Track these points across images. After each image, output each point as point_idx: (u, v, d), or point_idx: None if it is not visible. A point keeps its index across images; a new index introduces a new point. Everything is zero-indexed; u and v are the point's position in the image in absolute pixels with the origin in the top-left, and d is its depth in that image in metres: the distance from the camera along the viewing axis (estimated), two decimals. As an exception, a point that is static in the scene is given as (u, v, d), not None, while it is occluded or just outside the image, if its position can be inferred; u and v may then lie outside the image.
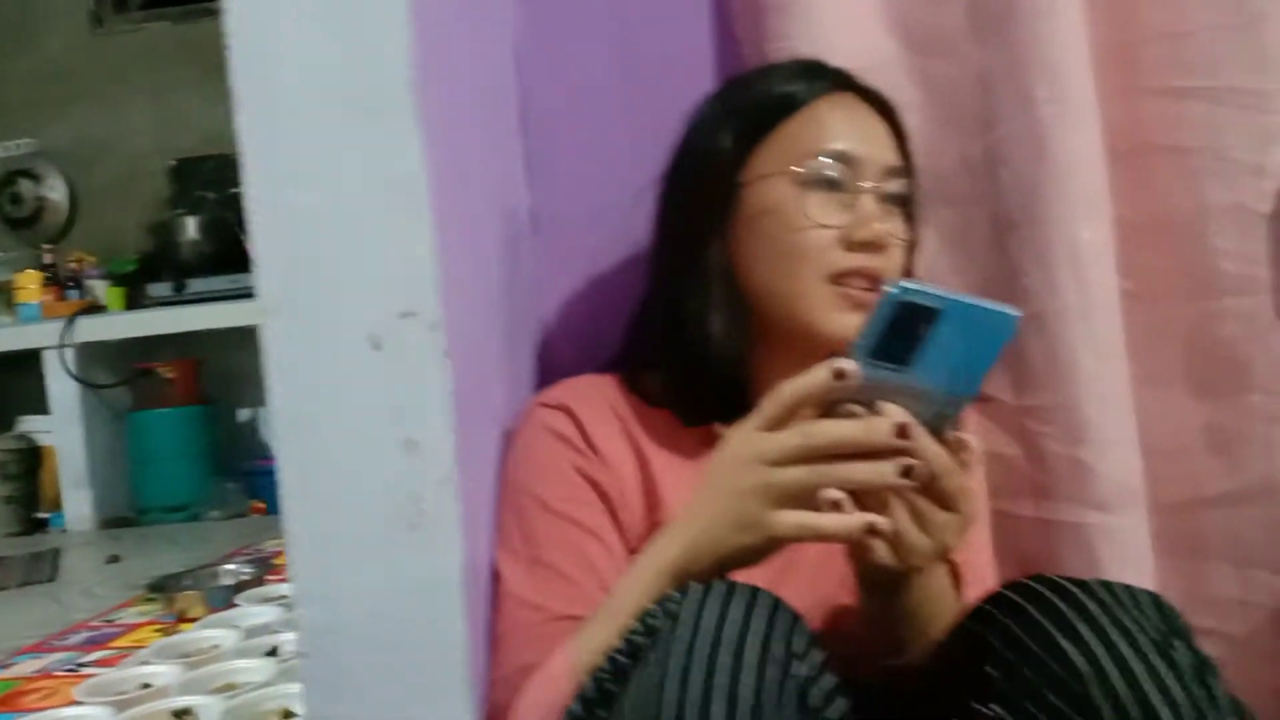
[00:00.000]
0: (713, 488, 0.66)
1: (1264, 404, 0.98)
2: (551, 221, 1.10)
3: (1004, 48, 0.98)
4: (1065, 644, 0.64)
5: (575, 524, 0.82)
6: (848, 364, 0.59)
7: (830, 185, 0.82)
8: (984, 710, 0.67)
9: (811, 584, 0.84)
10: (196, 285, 3.38)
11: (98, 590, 2.53)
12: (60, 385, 3.37)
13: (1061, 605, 0.66)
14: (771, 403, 0.63)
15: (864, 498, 0.62)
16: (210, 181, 3.76)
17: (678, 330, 0.86)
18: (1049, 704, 0.64)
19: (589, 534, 0.82)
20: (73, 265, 3.60)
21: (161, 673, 1.68)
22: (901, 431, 0.59)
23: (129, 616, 2.22)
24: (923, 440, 0.60)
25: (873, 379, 0.60)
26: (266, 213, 0.72)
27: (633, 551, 0.84)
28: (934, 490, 0.62)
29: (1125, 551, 0.99)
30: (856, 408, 0.61)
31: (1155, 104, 1.00)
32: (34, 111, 3.92)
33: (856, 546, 0.64)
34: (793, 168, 0.82)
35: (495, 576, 0.82)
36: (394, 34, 0.70)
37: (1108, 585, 0.67)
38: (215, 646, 1.81)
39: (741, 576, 0.65)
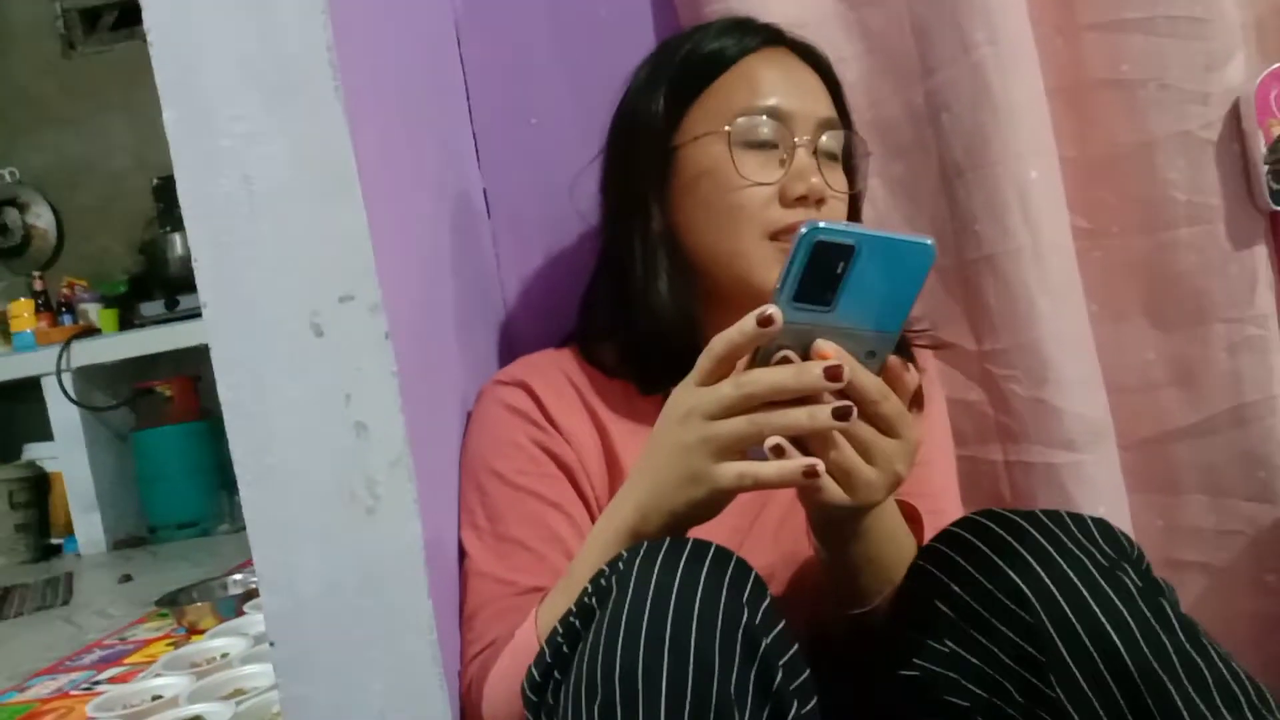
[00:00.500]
0: (656, 447, 0.66)
1: (1224, 332, 0.98)
2: (505, 200, 1.10)
3: (937, -9, 0.98)
4: (1014, 575, 0.64)
5: (536, 496, 0.82)
6: (771, 309, 0.59)
7: (764, 143, 0.82)
8: (939, 647, 0.67)
9: (774, 541, 0.84)
10: (188, 301, 3.38)
11: (111, 610, 2.55)
12: (61, 411, 3.38)
13: (1009, 537, 0.66)
14: (705, 357, 0.63)
15: (807, 439, 0.62)
16: (195, 197, 3.77)
17: (627, 299, 0.86)
18: (1002, 636, 0.64)
19: (550, 506, 0.82)
20: (64, 291, 3.62)
21: (171, 684, 1.69)
22: (833, 373, 0.60)
23: (142, 633, 2.24)
24: (856, 373, 0.60)
25: (799, 323, 0.60)
26: (197, 204, 0.72)
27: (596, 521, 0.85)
28: (873, 418, 0.62)
29: (1098, 490, 0.99)
30: (790, 353, 0.61)
31: (1094, 39, 0.99)
32: (12, 139, 3.94)
33: (804, 490, 0.64)
34: (725, 127, 0.82)
35: (461, 554, 0.83)
36: (311, 16, 0.70)
37: (1054, 514, 0.67)
38: (224, 655, 1.82)
39: (705, 535, 0.65)
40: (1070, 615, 0.62)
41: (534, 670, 0.64)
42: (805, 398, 0.60)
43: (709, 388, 0.63)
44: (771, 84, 0.84)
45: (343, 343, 0.72)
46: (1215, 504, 1.02)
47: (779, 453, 0.60)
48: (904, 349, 0.70)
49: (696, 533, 0.66)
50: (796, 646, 0.61)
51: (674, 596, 0.59)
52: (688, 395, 0.64)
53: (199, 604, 2.19)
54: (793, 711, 0.59)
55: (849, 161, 0.87)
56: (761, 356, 0.62)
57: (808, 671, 0.61)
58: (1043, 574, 0.63)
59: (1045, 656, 0.63)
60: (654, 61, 0.90)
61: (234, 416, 0.74)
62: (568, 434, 0.85)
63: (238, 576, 2.42)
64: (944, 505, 0.87)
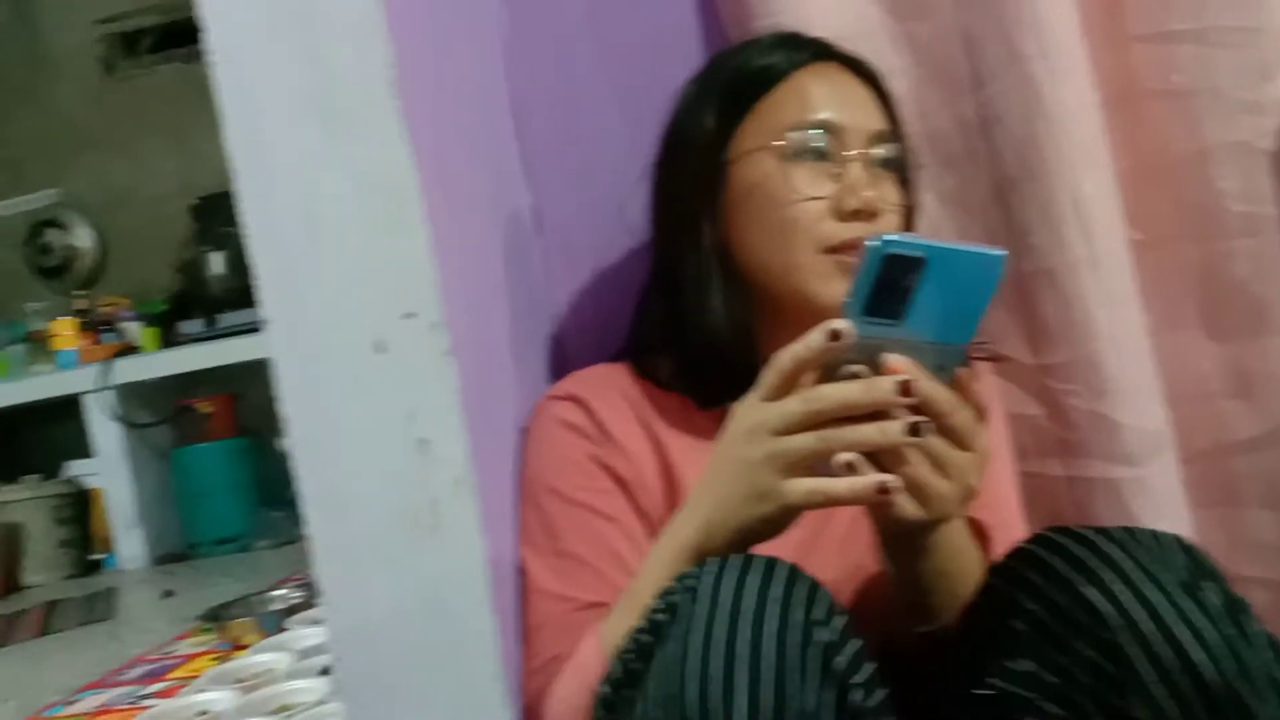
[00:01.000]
0: (722, 463, 0.66)
1: (1284, 343, 0.97)
2: (554, 218, 1.11)
3: (987, 6, 0.97)
4: (1090, 592, 0.63)
5: (594, 512, 0.82)
6: (841, 324, 0.59)
7: (816, 156, 0.82)
8: (1014, 666, 0.67)
9: (840, 555, 0.83)
10: (227, 320, 3.42)
11: (154, 625, 2.57)
12: (103, 428, 3.42)
13: (1084, 554, 0.65)
14: (771, 372, 0.63)
15: (879, 454, 0.61)
16: (233, 217, 3.81)
17: (680, 314, 0.86)
18: (1079, 654, 0.63)
19: (608, 521, 0.82)
20: (105, 309, 3.66)
21: (218, 699, 1.70)
22: (904, 388, 0.59)
23: (185, 648, 2.26)
24: (927, 387, 0.60)
25: (868, 336, 0.59)
26: (260, 224, 0.73)
27: (654, 536, 0.84)
28: (946, 430, 0.61)
29: (1159, 504, 0.98)
30: (859, 367, 0.60)
31: (1145, 50, 0.98)
32: (55, 162, 4.01)
33: (877, 506, 0.63)
34: (776, 141, 0.82)
35: (521, 572, 0.83)
36: (371, 39, 0.71)
37: (1130, 531, 0.67)
38: (269, 670, 1.83)
39: (770, 550, 0.65)
40: (1150, 632, 0.61)
41: (605, 687, 0.64)
42: (875, 412, 0.60)
43: (775, 403, 0.63)
44: (822, 98, 0.83)
45: (405, 360, 0.73)
46: (1278, 517, 1.00)
47: (851, 469, 0.60)
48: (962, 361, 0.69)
49: (760, 549, 0.66)
50: (873, 665, 0.60)
51: (748, 615, 0.58)
52: (753, 411, 0.64)
53: (242, 619, 2.21)
54: None
55: (902, 174, 0.87)
56: (829, 372, 0.61)
57: (884, 690, 0.60)
58: (1120, 591, 0.62)
59: (1125, 675, 0.62)
60: (703, 77, 0.90)
61: (297, 436, 0.74)
62: (624, 448, 0.85)
63: (280, 592, 2.43)
64: (1008, 518, 0.86)
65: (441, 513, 0.73)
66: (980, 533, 0.77)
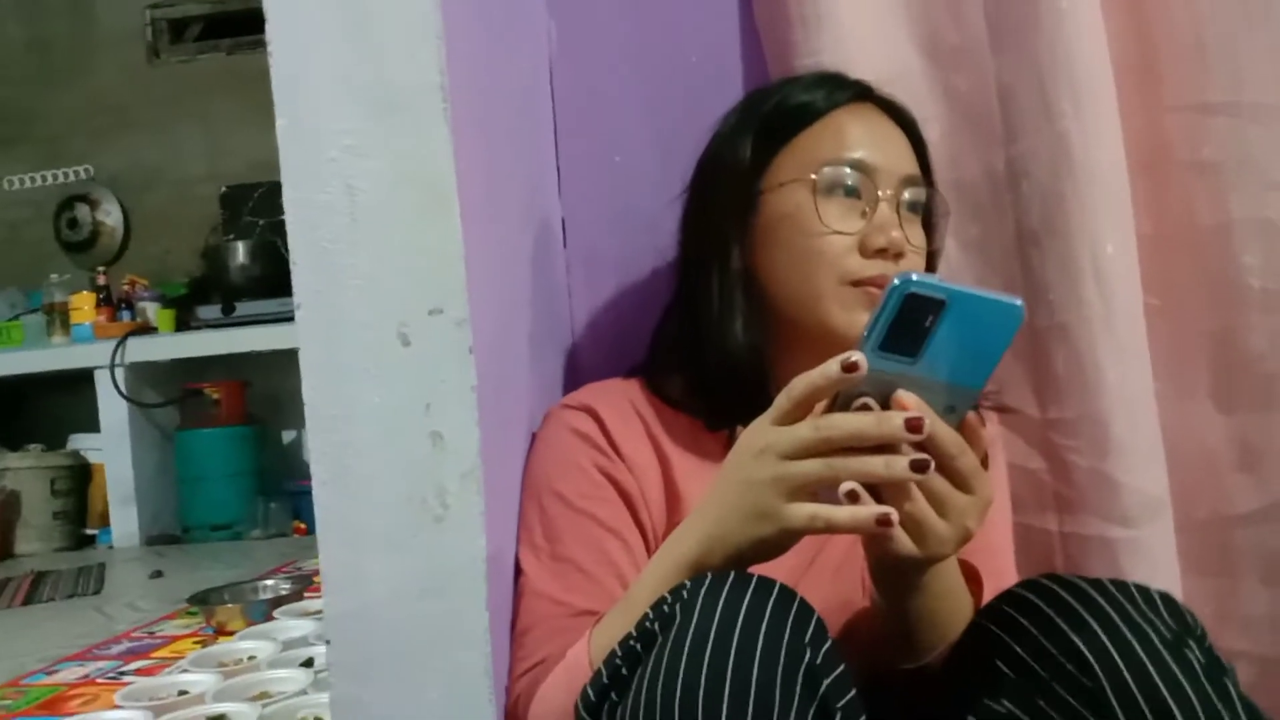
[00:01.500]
0: (727, 481, 0.67)
1: (1292, 419, 0.98)
2: (580, 232, 1.13)
3: (1026, 61, 0.99)
4: (1078, 640, 0.64)
5: (595, 521, 0.84)
6: (857, 356, 0.60)
7: (847, 193, 0.84)
8: (996, 707, 0.67)
9: (831, 585, 0.84)
10: (244, 308, 3.45)
11: (141, 603, 2.58)
12: (111, 404, 3.45)
13: (1074, 602, 0.66)
14: (784, 397, 0.64)
15: (881, 488, 0.62)
16: (259, 208, 3.87)
17: (700, 335, 0.88)
18: (1061, 700, 0.64)
19: (608, 531, 0.83)
20: (125, 287, 3.70)
21: (199, 681, 1.70)
22: (914, 425, 0.60)
23: (170, 629, 2.26)
24: (936, 426, 0.60)
25: (882, 371, 0.60)
26: (301, 211, 0.75)
27: (653, 552, 0.85)
28: (950, 472, 0.62)
29: (1152, 567, 0.98)
30: (870, 400, 0.62)
31: (1178, 120, 1.00)
32: (92, 140, 4.07)
33: (874, 538, 0.64)
34: (810, 175, 0.84)
35: (517, 571, 0.84)
36: (425, 40, 0.73)
37: (1121, 584, 0.67)
38: (252, 657, 1.83)
39: (761, 574, 0.65)
40: (1132, 684, 0.61)
41: (590, 690, 0.65)
42: (882, 446, 0.61)
43: (786, 427, 0.64)
44: (858, 137, 0.86)
45: (428, 354, 0.74)
46: (1271, 593, 1.01)
47: (853, 498, 0.61)
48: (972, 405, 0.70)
49: (753, 571, 0.66)
50: (855, 691, 0.61)
51: (738, 629, 0.59)
52: (763, 433, 0.65)
53: (229, 605, 2.21)
54: None
55: (929, 218, 0.88)
56: (841, 402, 0.63)
57: (864, 717, 0.61)
58: (1107, 641, 0.63)
59: (1104, 723, 0.62)
60: (743, 109, 0.93)
61: (315, 417, 0.76)
62: (631, 462, 0.87)
63: (269, 582, 2.44)
64: (1000, 566, 0.87)
65: (448, 503, 0.75)
66: (972, 577, 0.78)
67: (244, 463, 3.54)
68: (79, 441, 3.69)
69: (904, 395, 0.61)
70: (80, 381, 3.48)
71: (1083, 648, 0.64)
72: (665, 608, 0.63)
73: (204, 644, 2.04)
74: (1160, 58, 1.02)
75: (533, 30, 1.09)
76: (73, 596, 2.73)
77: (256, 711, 1.49)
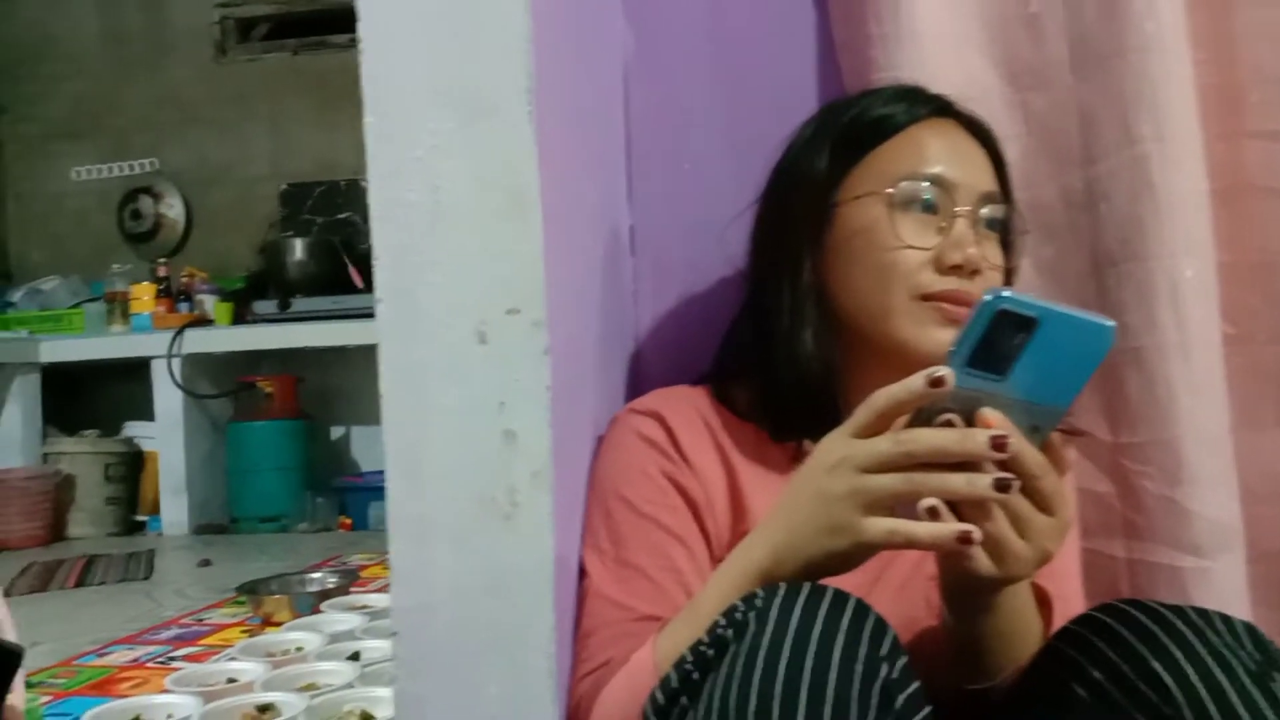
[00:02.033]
0: (802, 492, 0.67)
1: (1369, 453, 0.96)
2: (649, 240, 1.13)
3: (1107, 84, 0.99)
4: (1158, 668, 0.63)
5: (661, 527, 0.84)
6: (944, 371, 0.59)
7: (924, 208, 0.83)
8: (1067, 731, 0.67)
9: (895, 603, 0.83)
10: (300, 304, 3.50)
11: (189, 591, 2.62)
12: (166, 394, 3.52)
13: (1156, 629, 0.65)
14: (865, 409, 0.64)
15: (961, 506, 0.62)
16: (318, 206, 3.93)
17: (769, 346, 0.88)
18: (1137, 726, 0.63)
19: (674, 538, 0.84)
20: (185, 280, 3.77)
21: (247, 669, 1.73)
22: (999, 443, 0.59)
23: (218, 617, 2.30)
24: (1019, 446, 0.60)
25: (968, 388, 0.60)
26: (386, 208, 0.76)
27: (717, 561, 0.85)
28: (1032, 492, 0.61)
29: (1222, 598, 0.97)
30: (953, 416, 0.61)
31: (1260, 147, 0.99)
32: (158, 133, 4.16)
33: (952, 556, 0.63)
34: (887, 190, 0.84)
35: (582, 573, 0.84)
36: (514, 43, 0.74)
37: (1204, 612, 0.66)
38: (299, 649, 1.86)
39: (826, 589, 0.65)
40: (1215, 715, 0.60)
41: (659, 693, 0.65)
42: (963, 464, 0.61)
43: (865, 440, 0.63)
44: (937, 152, 0.85)
45: (504, 353, 0.75)
46: (1343, 631, 0.98)
47: (933, 515, 0.60)
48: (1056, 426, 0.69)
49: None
50: (929, 709, 0.60)
51: (814, 640, 0.59)
52: (840, 445, 0.65)
53: (277, 596, 2.24)
54: None
55: (1006, 236, 0.88)
56: (922, 417, 0.62)
57: (938, 734, 0.61)
58: (1189, 668, 0.62)
59: (1183, 753, 0.61)
60: (819, 121, 0.92)
61: (391, 410, 0.76)
62: (697, 469, 0.87)
63: (316, 575, 2.47)
64: (1068, 592, 0.86)
65: (518, 502, 0.75)
66: (1043, 600, 0.77)
67: (293, 457, 3.59)
68: (133, 429, 3.77)
69: (989, 413, 0.60)
70: (137, 370, 3.56)
71: (1163, 674, 0.62)
72: (739, 615, 0.63)
73: (251, 633, 2.07)
74: (1243, 84, 1.00)
75: (610, 39, 1.09)
76: (123, 581, 2.78)
77: (304, 702, 1.50)
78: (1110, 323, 0.59)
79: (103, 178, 4.22)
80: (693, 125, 1.12)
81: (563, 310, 0.80)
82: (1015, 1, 1.04)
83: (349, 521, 3.52)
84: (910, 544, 0.62)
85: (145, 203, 4.15)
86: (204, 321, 3.63)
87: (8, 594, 2.64)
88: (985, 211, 0.84)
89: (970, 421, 0.61)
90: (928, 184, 0.83)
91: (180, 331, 3.49)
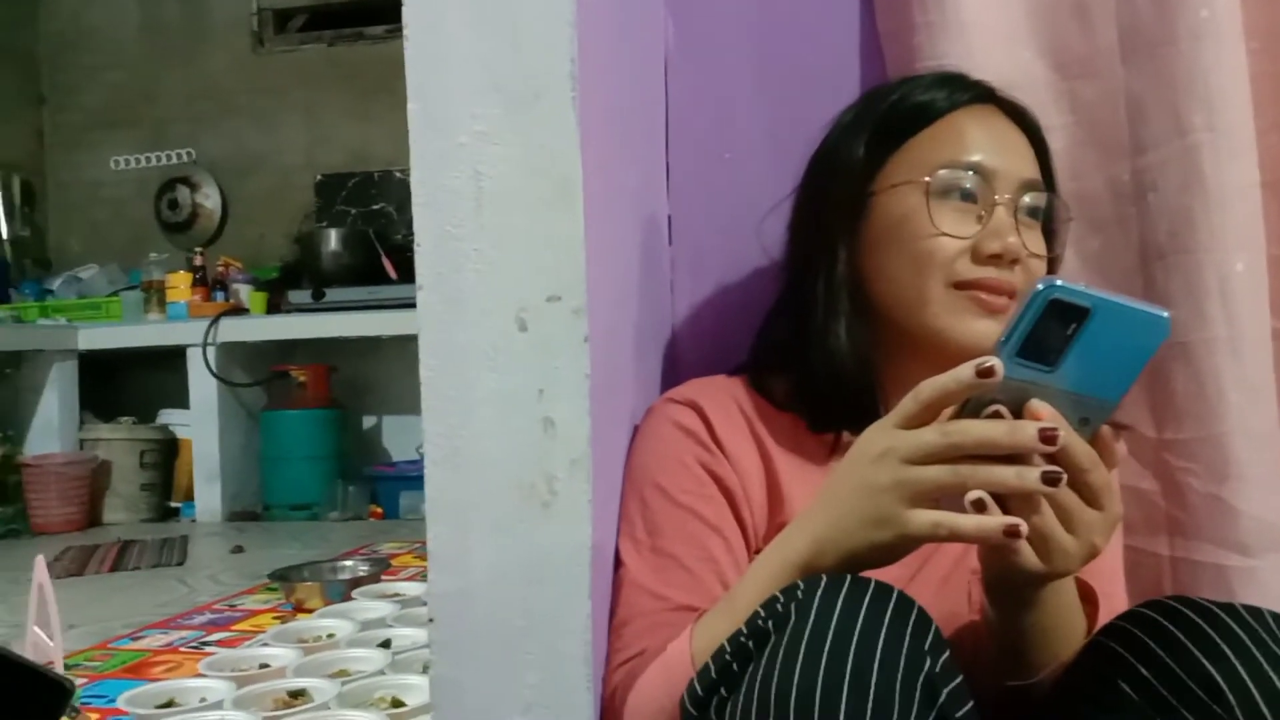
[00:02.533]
0: (844, 483, 0.66)
1: None
2: (686, 230, 1.12)
3: (1158, 73, 0.97)
4: (1209, 666, 0.62)
5: (697, 517, 0.83)
6: (993, 361, 0.58)
7: (963, 196, 0.82)
8: (1113, 728, 0.65)
9: (935, 598, 0.82)
10: (334, 294, 3.53)
11: (222, 577, 2.65)
12: (201, 381, 3.55)
13: (1206, 626, 0.64)
14: (911, 400, 0.62)
15: (1008, 499, 0.60)
16: (353, 197, 3.95)
17: (805, 337, 0.87)
18: (1186, 725, 0.62)
19: (710, 528, 0.83)
20: (220, 269, 3.81)
21: (280, 655, 1.74)
22: (1048, 436, 0.58)
23: (250, 603, 2.32)
24: (1069, 439, 0.58)
25: (1017, 379, 0.58)
26: (428, 194, 0.76)
27: (754, 552, 0.85)
28: (1080, 486, 0.60)
29: (1268, 599, 0.93)
30: (1002, 408, 0.59)
31: (1313, 139, 0.97)
32: (195, 124, 4.20)
33: (997, 550, 0.62)
34: (924, 178, 0.83)
35: (617, 562, 0.84)
36: (558, 30, 0.74)
37: (1256, 611, 0.65)
38: (331, 635, 1.87)
39: (865, 583, 0.64)
40: (1267, 714, 0.59)
41: (697, 684, 0.65)
42: (1011, 456, 0.59)
43: (910, 431, 0.62)
44: (977, 140, 0.84)
45: (544, 340, 0.75)
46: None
47: (979, 508, 0.59)
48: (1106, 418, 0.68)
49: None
50: (972, 703, 0.60)
51: (857, 632, 0.58)
52: (885, 436, 0.64)
53: (309, 583, 2.26)
54: None
55: (1049, 225, 0.86)
56: (970, 408, 0.61)
57: (981, 729, 0.60)
58: (1241, 668, 0.61)
59: (1234, 754, 0.60)
60: (860, 107, 0.91)
61: (431, 396, 0.76)
62: (734, 459, 0.86)
63: (347, 563, 2.49)
64: (1111, 589, 0.85)
65: (557, 490, 0.75)
66: (1088, 596, 0.76)
67: (325, 445, 3.62)
68: (168, 416, 3.81)
69: (1038, 405, 0.59)
70: (173, 358, 3.60)
71: (1214, 674, 0.61)
72: (779, 606, 0.62)
73: (283, 620, 2.09)
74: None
75: (651, 27, 1.09)
76: (157, 566, 2.82)
77: (336, 688, 1.51)
78: (1165, 313, 0.58)
79: (141, 167, 4.27)
80: (732, 115, 1.12)
81: (602, 298, 0.80)
82: (1063, -12, 1.03)
83: (380, 510, 3.55)
84: (955, 537, 0.61)
85: (182, 192, 4.19)
86: (239, 310, 3.66)
87: (45, 577, 2.68)
88: (1027, 199, 0.83)
89: (1018, 413, 0.59)
90: (967, 172, 0.82)
91: (215, 320, 3.53)
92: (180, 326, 3.61)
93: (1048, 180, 0.87)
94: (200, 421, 3.58)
